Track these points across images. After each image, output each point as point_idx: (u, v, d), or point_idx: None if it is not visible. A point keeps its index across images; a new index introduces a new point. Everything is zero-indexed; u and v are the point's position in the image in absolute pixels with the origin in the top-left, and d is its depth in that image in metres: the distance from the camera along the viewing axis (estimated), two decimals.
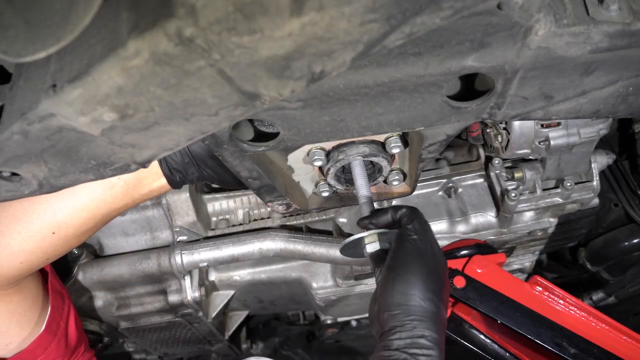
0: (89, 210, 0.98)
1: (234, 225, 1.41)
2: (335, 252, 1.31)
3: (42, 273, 1.15)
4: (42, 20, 0.45)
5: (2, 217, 0.94)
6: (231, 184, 1.06)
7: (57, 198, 0.95)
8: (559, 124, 1.16)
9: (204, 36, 0.47)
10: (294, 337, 2.10)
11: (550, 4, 0.65)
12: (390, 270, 0.81)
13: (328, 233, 1.39)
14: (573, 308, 1.21)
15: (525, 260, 1.57)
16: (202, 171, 1.01)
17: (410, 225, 0.85)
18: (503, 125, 1.20)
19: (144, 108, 0.57)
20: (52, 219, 0.96)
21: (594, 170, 1.32)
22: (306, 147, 0.99)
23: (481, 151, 1.39)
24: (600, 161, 1.32)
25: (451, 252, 1.34)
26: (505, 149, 1.22)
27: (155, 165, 0.98)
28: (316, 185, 1.10)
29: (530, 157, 1.24)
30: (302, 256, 1.35)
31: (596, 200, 1.38)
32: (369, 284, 1.45)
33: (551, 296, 1.22)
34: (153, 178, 1.00)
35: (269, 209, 1.41)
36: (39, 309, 1.11)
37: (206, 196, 1.42)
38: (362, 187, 0.98)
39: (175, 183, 1.02)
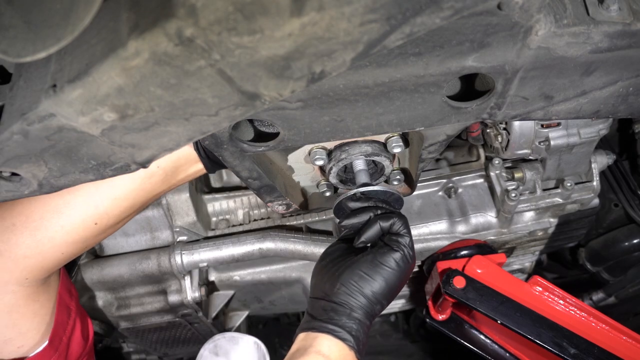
0: (130, 200, 0.98)
1: (234, 226, 1.41)
2: None
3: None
4: (42, 20, 0.45)
5: (44, 211, 0.94)
6: None
7: (97, 190, 0.95)
8: (559, 124, 1.16)
9: (204, 36, 0.47)
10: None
11: (550, 4, 0.65)
12: (371, 263, 0.90)
13: (328, 233, 1.39)
14: (573, 308, 1.21)
15: (525, 260, 1.57)
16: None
17: (403, 238, 0.92)
18: (503, 126, 1.20)
19: (144, 108, 0.57)
20: (94, 210, 0.96)
21: (594, 171, 1.32)
22: (306, 147, 0.99)
23: (481, 151, 1.39)
24: (601, 161, 1.32)
25: (451, 252, 1.34)
26: (505, 149, 1.22)
27: (191, 151, 0.97)
28: (317, 185, 1.10)
29: (530, 157, 1.24)
30: (302, 256, 1.35)
31: (596, 201, 1.38)
32: None
33: (551, 296, 1.22)
34: (190, 163, 1.00)
35: (269, 209, 1.41)
36: (54, 315, 1.10)
37: (206, 196, 1.42)
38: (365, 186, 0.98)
39: (209, 167, 1.01)
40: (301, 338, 0.90)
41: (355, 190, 0.98)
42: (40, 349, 1.08)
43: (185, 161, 0.99)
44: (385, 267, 0.89)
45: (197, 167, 1.01)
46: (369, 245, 0.96)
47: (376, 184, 1.00)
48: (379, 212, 0.96)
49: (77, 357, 1.17)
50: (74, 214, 0.95)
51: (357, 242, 0.94)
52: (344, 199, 0.98)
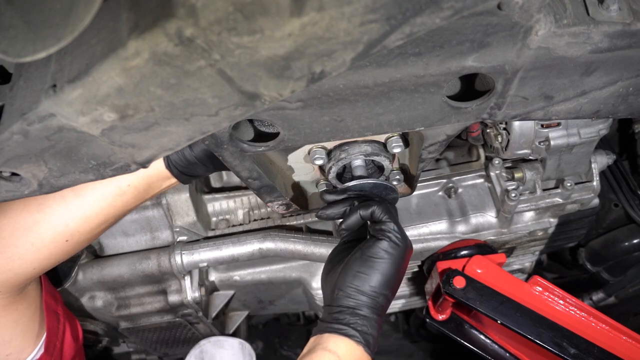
0: (101, 217, 0.99)
1: (234, 226, 1.41)
2: None
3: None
4: (42, 21, 0.45)
5: (13, 228, 0.95)
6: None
7: (67, 208, 0.96)
8: (559, 124, 1.16)
9: (204, 36, 0.47)
10: (294, 337, 2.10)
11: (550, 4, 0.65)
12: (361, 259, 0.89)
13: (328, 233, 1.39)
14: (573, 308, 1.21)
15: (525, 260, 1.57)
16: (209, 168, 1.01)
17: (386, 225, 0.91)
18: (503, 126, 1.20)
19: (144, 108, 0.57)
20: (64, 228, 0.97)
21: (594, 171, 1.32)
22: (306, 147, 0.99)
23: (481, 151, 1.39)
24: (600, 161, 1.32)
25: (451, 252, 1.34)
26: (505, 149, 1.22)
27: (163, 168, 0.99)
28: (317, 184, 1.10)
29: (530, 157, 1.24)
30: (302, 256, 1.35)
31: (596, 201, 1.38)
32: None
33: (551, 296, 1.22)
34: (162, 179, 1.01)
35: (269, 209, 1.41)
36: (38, 319, 1.11)
37: (206, 196, 1.42)
38: None
39: (183, 179, 1.02)
40: (311, 341, 0.91)
41: (352, 184, 0.98)
42: (37, 356, 1.09)
43: (157, 178, 1.00)
44: (375, 259, 0.89)
45: (171, 182, 1.02)
46: (357, 240, 0.96)
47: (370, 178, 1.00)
48: (355, 203, 0.96)
49: (70, 359, 1.18)
50: (44, 232, 0.96)
51: (339, 229, 0.95)
52: (322, 192, 0.99)
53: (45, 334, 1.12)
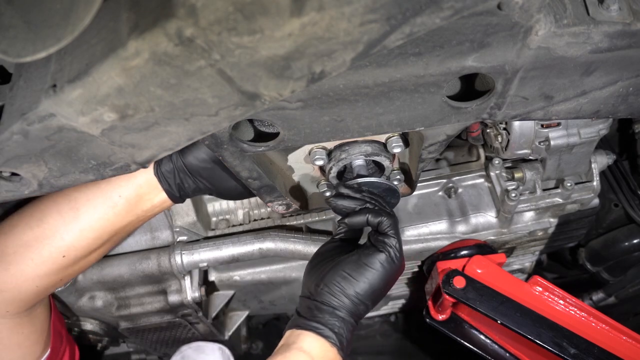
0: (94, 231, 1.01)
1: (234, 226, 1.41)
2: None
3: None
4: (42, 20, 0.45)
5: (16, 245, 0.98)
6: (227, 195, 1.07)
7: (63, 222, 0.98)
8: (559, 124, 1.16)
9: (204, 36, 0.47)
10: None
11: (550, 4, 0.65)
12: (355, 264, 0.90)
13: (328, 233, 1.39)
14: (573, 308, 1.21)
15: (525, 260, 1.57)
16: (197, 182, 1.03)
17: (389, 239, 0.92)
18: (503, 126, 1.20)
19: (144, 108, 0.57)
20: (60, 242, 0.99)
21: (594, 171, 1.32)
22: (306, 147, 0.99)
23: (481, 151, 1.39)
24: (601, 161, 1.32)
25: (451, 252, 1.33)
26: (505, 149, 1.22)
27: (154, 180, 1.01)
28: (317, 185, 1.10)
29: (530, 157, 1.24)
30: (302, 256, 1.35)
31: (596, 201, 1.38)
32: None
33: (551, 296, 1.22)
34: (154, 193, 1.02)
35: (269, 209, 1.41)
36: (43, 344, 1.12)
37: (206, 196, 1.42)
38: None
39: (174, 197, 1.04)
40: (287, 335, 0.92)
41: (355, 181, 0.98)
42: None
43: (147, 189, 1.01)
44: (369, 268, 0.89)
45: (162, 197, 1.04)
46: (349, 240, 0.98)
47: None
48: (368, 206, 0.96)
49: None
50: (42, 248, 0.99)
51: (339, 221, 0.96)
52: (339, 185, 0.99)
53: (46, 355, 1.13)
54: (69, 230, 0.99)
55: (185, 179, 1.02)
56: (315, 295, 0.90)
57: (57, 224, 0.98)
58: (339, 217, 1.01)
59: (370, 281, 0.89)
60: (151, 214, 1.07)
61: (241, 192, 1.05)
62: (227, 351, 1.52)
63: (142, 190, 1.01)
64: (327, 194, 1.09)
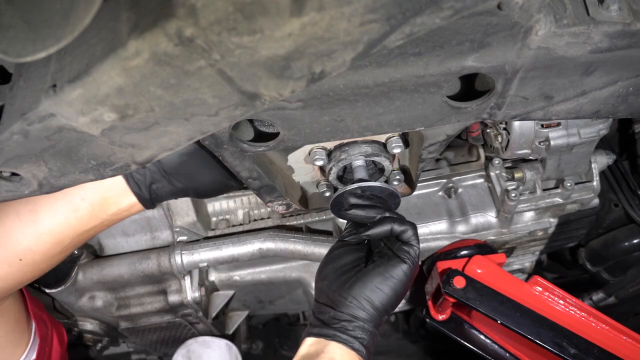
0: (54, 235, 0.96)
1: (234, 226, 1.41)
2: None
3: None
4: (42, 20, 0.45)
5: None
6: (205, 191, 1.04)
7: (21, 225, 0.94)
8: (559, 124, 1.16)
9: (204, 36, 0.47)
10: (294, 337, 2.10)
11: (550, 4, 0.65)
12: (382, 276, 0.91)
13: (328, 233, 1.39)
14: (573, 308, 1.21)
15: (525, 260, 1.57)
16: (173, 183, 0.98)
17: (413, 249, 0.93)
18: (503, 126, 1.20)
19: (144, 108, 0.57)
20: (16, 246, 0.95)
21: (594, 171, 1.32)
22: (306, 147, 0.99)
23: (481, 151, 1.39)
24: (600, 161, 1.32)
25: (451, 252, 1.34)
26: (505, 149, 1.22)
27: (122, 182, 0.96)
28: (317, 185, 1.10)
29: (530, 157, 1.24)
30: (302, 256, 1.35)
31: (596, 201, 1.38)
32: None
33: (551, 296, 1.22)
34: (121, 195, 0.98)
35: (269, 209, 1.41)
36: (21, 331, 1.12)
37: None
38: None
39: (145, 201, 0.99)
40: (310, 343, 0.91)
41: (356, 185, 0.97)
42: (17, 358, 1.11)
43: (113, 192, 0.97)
44: (394, 279, 0.91)
45: (131, 200, 0.99)
46: (373, 247, 0.97)
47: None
48: (387, 214, 0.96)
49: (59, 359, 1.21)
50: None
51: (363, 234, 0.95)
52: (345, 193, 0.98)
53: (26, 345, 1.13)
54: (27, 234, 0.94)
55: (157, 180, 0.97)
56: (342, 307, 0.90)
57: (14, 226, 0.94)
58: (347, 223, 1.01)
59: (396, 291, 0.91)
60: (118, 218, 1.01)
61: (219, 186, 1.02)
62: (234, 348, 1.51)
63: (108, 193, 0.96)
64: (327, 194, 1.09)
